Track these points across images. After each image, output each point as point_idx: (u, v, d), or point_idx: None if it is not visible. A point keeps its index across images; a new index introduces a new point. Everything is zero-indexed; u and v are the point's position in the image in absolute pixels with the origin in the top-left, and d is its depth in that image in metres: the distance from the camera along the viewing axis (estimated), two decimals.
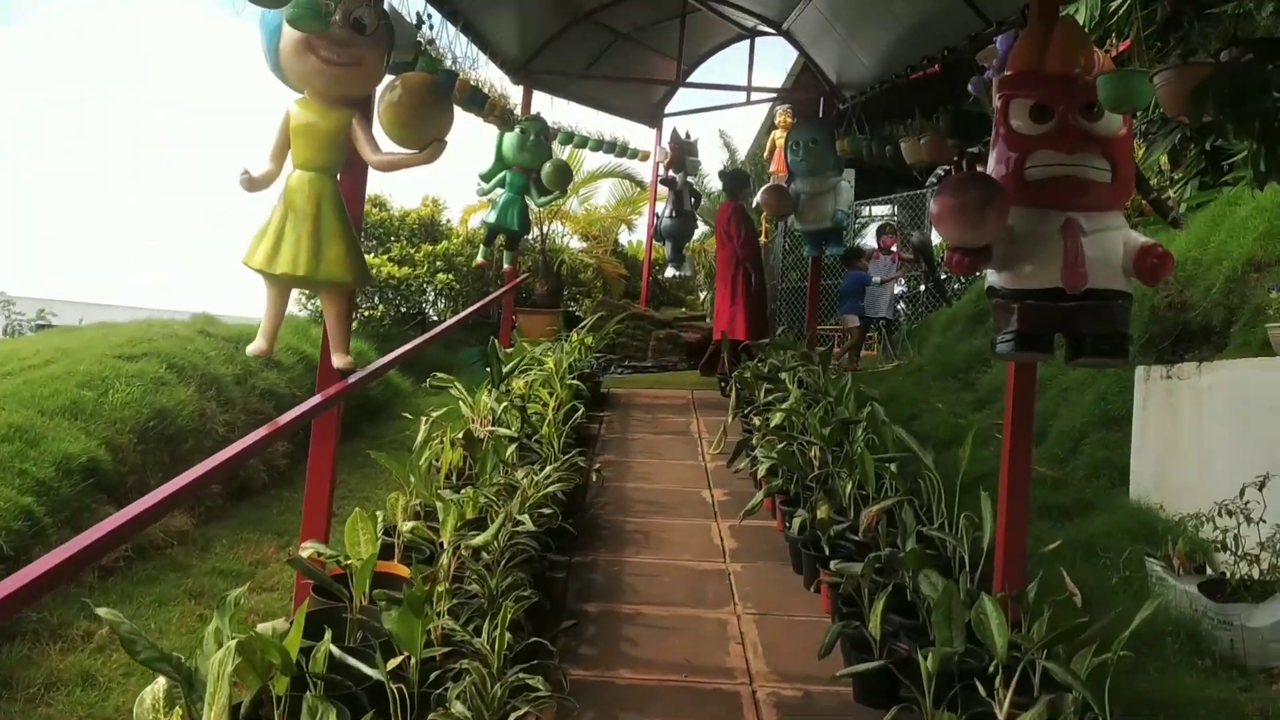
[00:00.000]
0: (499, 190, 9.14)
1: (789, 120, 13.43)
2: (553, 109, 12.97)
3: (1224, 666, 4.46)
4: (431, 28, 5.92)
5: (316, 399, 4.49)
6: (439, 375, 7.38)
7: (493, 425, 6.43)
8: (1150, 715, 3.99)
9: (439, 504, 4.75)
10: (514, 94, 9.73)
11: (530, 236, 12.73)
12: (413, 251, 12.66)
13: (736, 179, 11.63)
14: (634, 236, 16.73)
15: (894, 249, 13.55)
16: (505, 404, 6.74)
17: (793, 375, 7.95)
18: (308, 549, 4.28)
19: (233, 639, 3.04)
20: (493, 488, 5.33)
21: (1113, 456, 6.40)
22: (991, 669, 3.72)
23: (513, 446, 6.10)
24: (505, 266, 10.06)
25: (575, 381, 8.13)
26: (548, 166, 8.92)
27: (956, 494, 5.08)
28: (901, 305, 13.90)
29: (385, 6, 4.57)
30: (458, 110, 7.53)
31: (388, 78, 4.69)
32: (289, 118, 4.40)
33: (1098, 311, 4.08)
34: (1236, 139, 3.09)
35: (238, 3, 4.27)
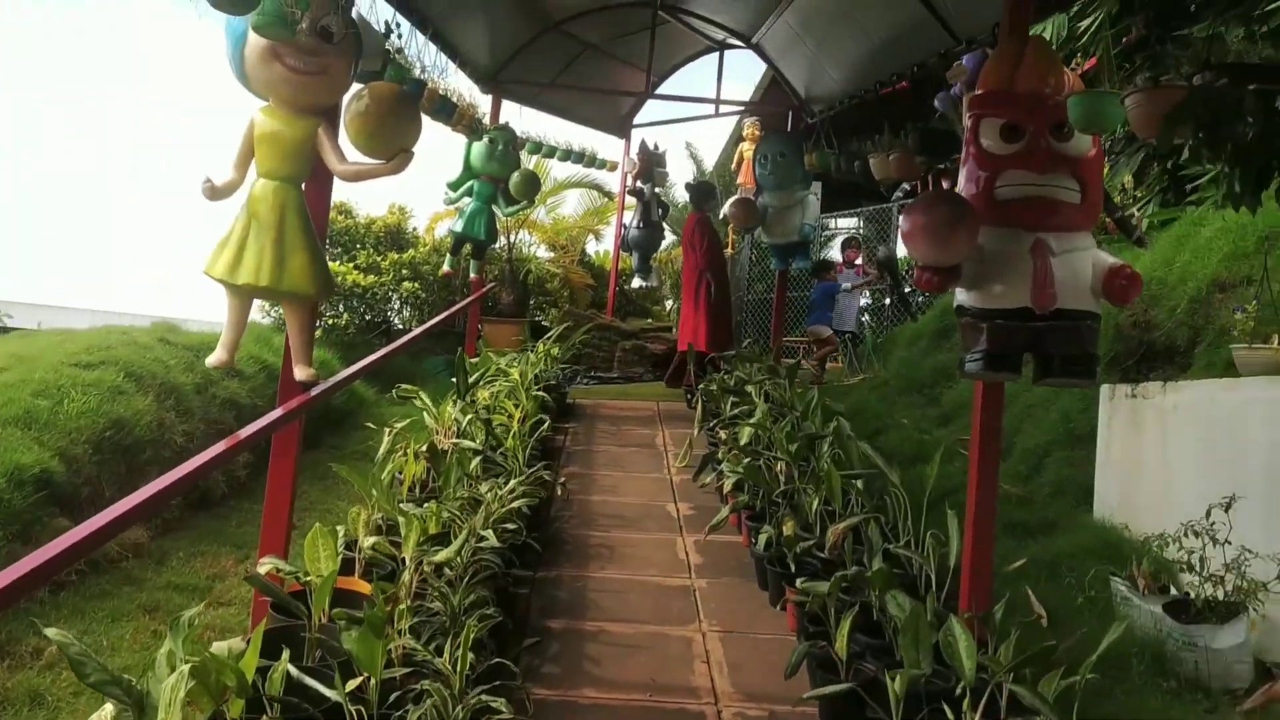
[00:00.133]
0: (466, 199, 9.06)
1: (757, 133, 13.46)
2: (521, 118, 12.94)
3: (1189, 688, 4.48)
4: (400, 36, 5.86)
5: (278, 412, 4.39)
6: (403, 386, 7.30)
7: (457, 437, 6.35)
8: None
9: (401, 519, 4.66)
10: (483, 103, 9.70)
11: (497, 245, 12.65)
12: (379, 259, 12.54)
13: (702, 190, 11.62)
14: (601, 246, 16.71)
15: (858, 262, 13.59)
16: (470, 416, 6.67)
17: (759, 389, 7.93)
18: (266, 565, 4.18)
19: (186, 663, 2.95)
20: (456, 502, 5.26)
21: (1076, 474, 6.43)
22: (959, 691, 3.71)
23: (477, 459, 6.04)
24: (472, 276, 9.98)
25: (541, 393, 8.06)
26: (516, 176, 8.85)
27: (923, 511, 5.08)
28: (866, 318, 13.94)
29: (353, 14, 4.50)
30: (426, 119, 7.51)
31: (355, 86, 4.61)
32: (253, 125, 4.32)
33: (1067, 332, 4.09)
34: (1210, 163, 3.09)
35: (201, 5, 4.24)
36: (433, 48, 7.37)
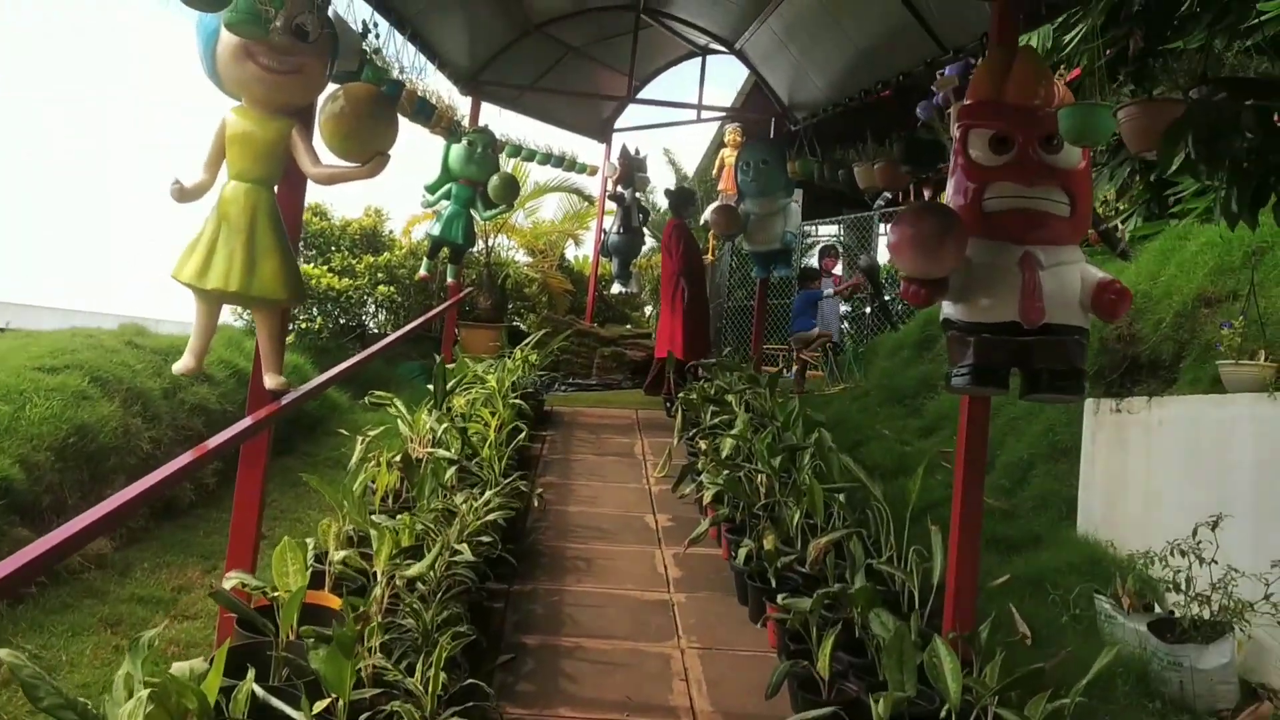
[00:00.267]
0: (444, 202, 8.95)
1: (739, 139, 13.40)
2: (501, 120, 12.84)
3: (1174, 709, 4.42)
4: (378, 36, 5.73)
5: (247, 421, 4.26)
6: (377, 393, 7.16)
7: (432, 446, 6.23)
8: None
9: (373, 531, 4.54)
10: (462, 105, 9.58)
11: (475, 249, 12.52)
12: (354, 262, 12.38)
13: (681, 197, 11.53)
14: (581, 252, 16.61)
15: (835, 271, 13.54)
16: (446, 424, 6.54)
17: (739, 398, 7.85)
18: (232, 579, 4.05)
19: (145, 686, 2.82)
20: (430, 514, 5.13)
21: (1060, 489, 6.37)
22: (944, 714, 3.62)
23: (452, 469, 5.91)
24: (449, 280, 9.85)
25: (518, 401, 7.94)
26: (495, 180, 8.75)
27: (906, 525, 5.00)
28: (845, 325, 13.87)
29: (329, 13, 4.38)
30: (404, 120, 7.39)
31: (330, 87, 4.49)
32: (224, 126, 4.19)
33: (1054, 347, 4.02)
34: (1209, 179, 3.03)
35: (173, 2, 4.11)
36: (411, 48, 7.26)
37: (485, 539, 5.19)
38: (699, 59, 11.70)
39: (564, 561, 6.12)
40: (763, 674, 4.50)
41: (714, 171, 15.00)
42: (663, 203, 15.88)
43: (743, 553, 5.60)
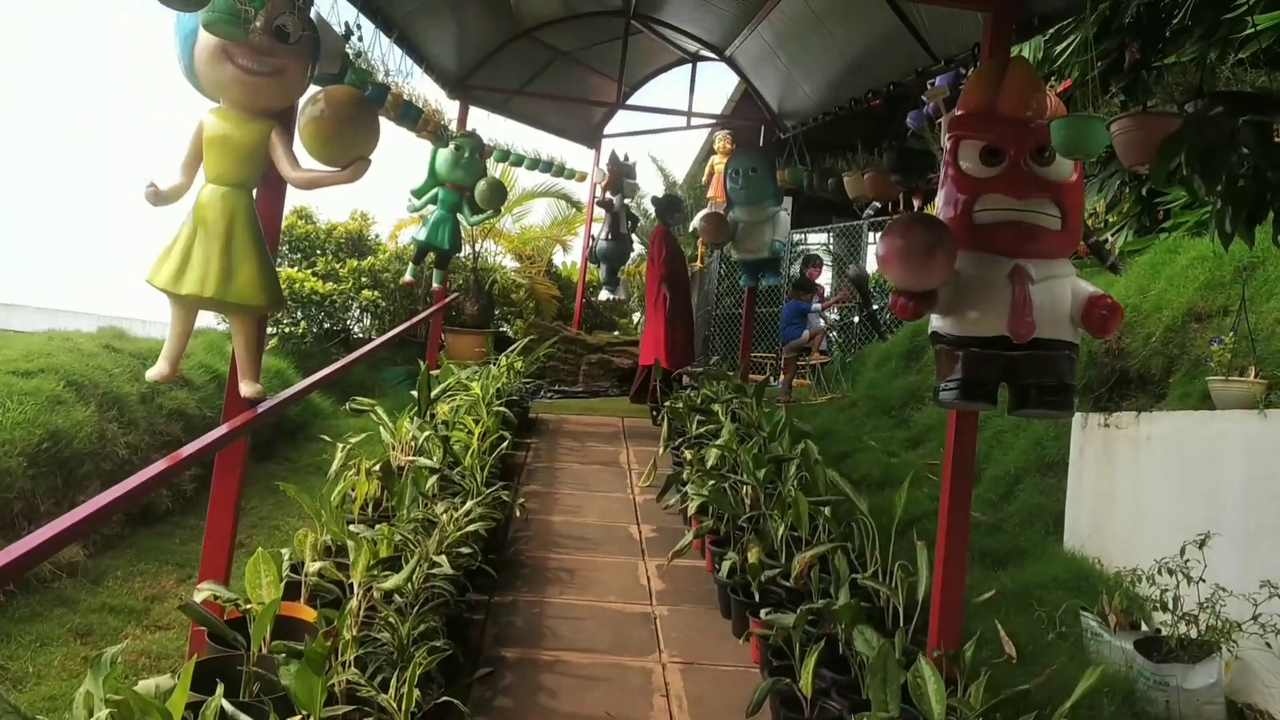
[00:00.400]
0: (430, 207, 8.87)
1: (728, 145, 13.35)
2: (489, 124, 12.76)
3: None
4: (361, 39, 5.66)
5: (222, 429, 4.17)
6: (360, 399, 7.08)
7: (414, 454, 6.15)
8: None
9: (350, 542, 4.46)
10: (450, 109, 9.51)
11: (462, 254, 12.44)
12: (337, 267, 12.27)
13: (667, 203, 11.46)
14: (569, 258, 16.51)
15: (818, 281, 13.46)
16: (428, 432, 6.46)
17: (725, 408, 7.78)
18: (203, 591, 3.96)
19: (107, 706, 2.73)
20: (410, 524, 5.05)
21: (1047, 503, 6.32)
22: None
23: (434, 478, 5.83)
24: (434, 285, 9.77)
25: (502, 408, 7.86)
26: (482, 185, 8.66)
27: (892, 539, 4.95)
28: (833, 334, 13.82)
29: (312, 14, 4.30)
30: (390, 124, 7.31)
31: (312, 89, 4.41)
32: (202, 128, 4.10)
33: (1044, 362, 3.97)
34: (1207, 195, 2.97)
35: (152, 2, 4.03)
36: (398, 51, 7.18)
37: (465, 550, 5.11)
38: (689, 66, 11.66)
39: (546, 573, 6.04)
40: (745, 690, 4.43)
41: (703, 178, 14.96)
42: (651, 209, 15.83)
43: (726, 565, 5.54)
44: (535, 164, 11.47)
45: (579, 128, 13.04)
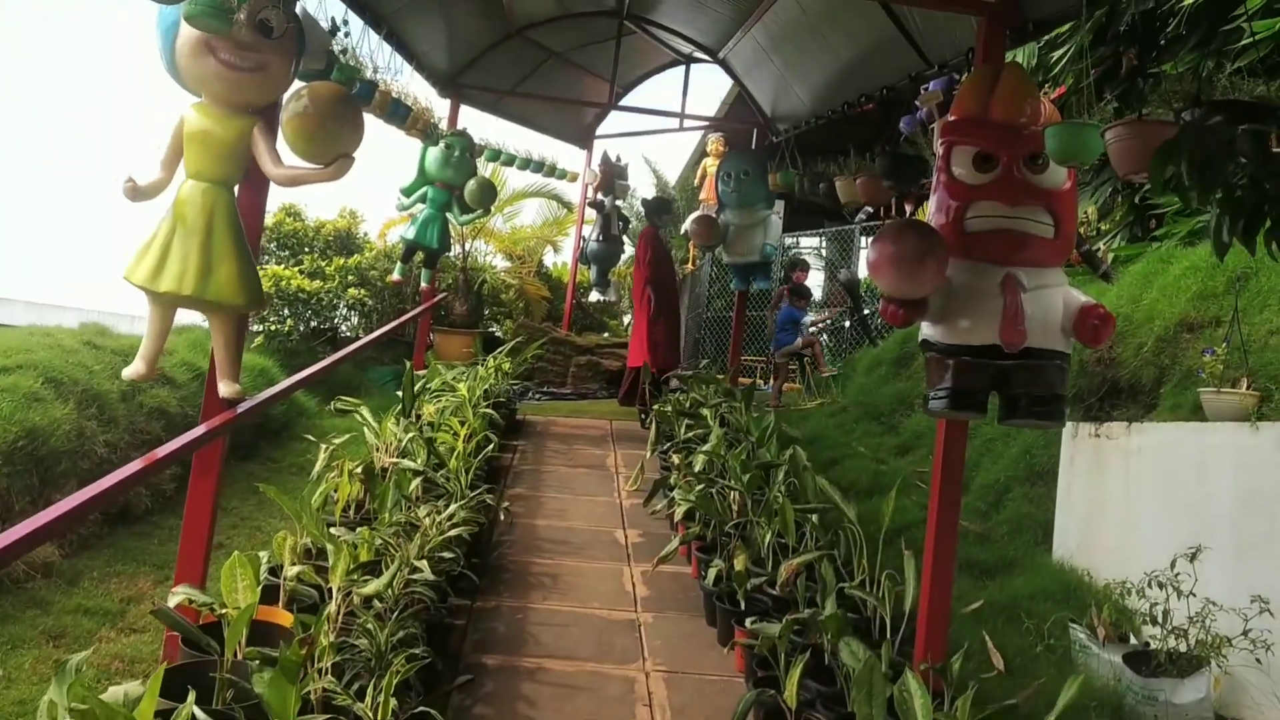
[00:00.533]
0: (420, 205, 8.79)
1: (721, 149, 13.30)
2: (481, 123, 12.69)
3: None
4: (348, 35, 5.58)
5: (199, 429, 4.09)
6: (345, 399, 7.00)
7: (398, 456, 6.07)
8: None
9: (330, 546, 4.37)
10: (441, 107, 9.43)
11: (452, 254, 12.35)
12: (324, 264, 12.16)
13: (656, 205, 11.40)
14: (559, 258, 16.42)
15: (806, 283, 13.38)
16: (413, 434, 6.38)
17: (714, 412, 7.73)
18: (178, 595, 3.88)
19: (72, 716, 2.66)
20: (391, 528, 4.97)
21: (1036, 512, 6.27)
22: None
23: (417, 480, 5.76)
24: (423, 285, 9.69)
25: (489, 410, 7.79)
26: (471, 184, 8.59)
27: (879, 547, 4.89)
28: (825, 338, 13.77)
29: (297, 9, 4.23)
30: (379, 122, 7.24)
31: (296, 84, 4.33)
32: (182, 123, 4.03)
33: (1035, 372, 3.92)
34: (1201, 205, 2.92)
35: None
36: (387, 48, 7.11)
37: (448, 554, 5.05)
38: (682, 67, 11.59)
39: (529, 577, 5.97)
40: (729, 700, 4.38)
41: (696, 181, 14.89)
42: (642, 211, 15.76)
43: (712, 573, 5.48)
44: (526, 164, 11.42)
45: (571, 128, 12.98)
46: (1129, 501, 5.47)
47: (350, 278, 12.09)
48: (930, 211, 4.21)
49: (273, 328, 11.33)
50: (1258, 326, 5.54)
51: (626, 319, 16.23)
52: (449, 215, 8.79)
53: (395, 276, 9.50)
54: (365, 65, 6.28)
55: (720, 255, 10.68)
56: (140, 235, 4.02)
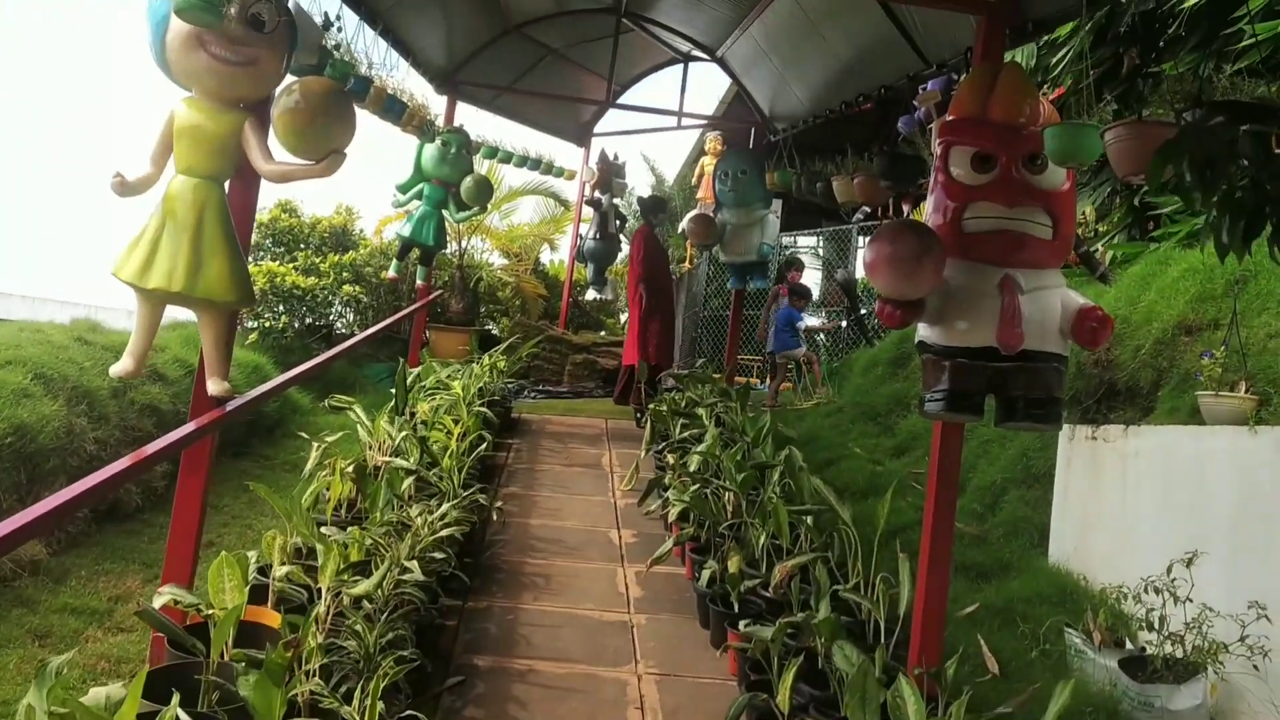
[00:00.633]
0: (416, 202, 8.74)
1: (719, 147, 13.25)
2: (478, 120, 12.63)
3: None
4: (341, 30, 5.54)
5: (188, 427, 4.06)
6: (339, 396, 6.96)
7: (391, 455, 6.03)
8: None
9: (319, 546, 4.33)
10: (437, 104, 9.38)
11: (448, 251, 12.30)
12: (319, 261, 12.11)
13: (651, 204, 11.36)
14: (556, 256, 16.38)
15: (802, 281, 13.34)
16: (406, 432, 6.33)
17: (710, 412, 7.68)
18: (164, 595, 3.84)
19: (50, 718, 2.61)
20: (382, 527, 4.93)
21: (1033, 515, 6.23)
22: None
23: (410, 479, 5.71)
24: (419, 282, 9.65)
25: (483, 409, 7.74)
26: (468, 181, 8.54)
27: (874, 549, 4.85)
28: (821, 337, 13.73)
29: (290, 3, 4.19)
30: (374, 118, 7.19)
31: (288, 79, 4.29)
32: (173, 117, 3.99)
33: (1032, 374, 3.89)
34: (1201, 207, 2.89)
35: None
36: (383, 44, 7.06)
37: (439, 554, 5.00)
38: (680, 66, 11.56)
39: (522, 578, 5.93)
40: (721, 704, 4.33)
41: (694, 179, 14.86)
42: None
43: (706, 574, 5.44)
44: (524, 161, 11.39)
45: (569, 126, 12.94)
46: (1126, 505, 5.44)
47: (345, 274, 12.04)
48: (928, 212, 4.18)
49: (267, 324, 11.29)
50: (1256, 329, 5.51)
51: (623, 318, 16.19)
52: (445, 212, 8.74)
53: (391, 273, 9.46)
54: (361, 61, 6.23)
55: (717, 254, 10.64)
56: (131, 230, 4.00)
